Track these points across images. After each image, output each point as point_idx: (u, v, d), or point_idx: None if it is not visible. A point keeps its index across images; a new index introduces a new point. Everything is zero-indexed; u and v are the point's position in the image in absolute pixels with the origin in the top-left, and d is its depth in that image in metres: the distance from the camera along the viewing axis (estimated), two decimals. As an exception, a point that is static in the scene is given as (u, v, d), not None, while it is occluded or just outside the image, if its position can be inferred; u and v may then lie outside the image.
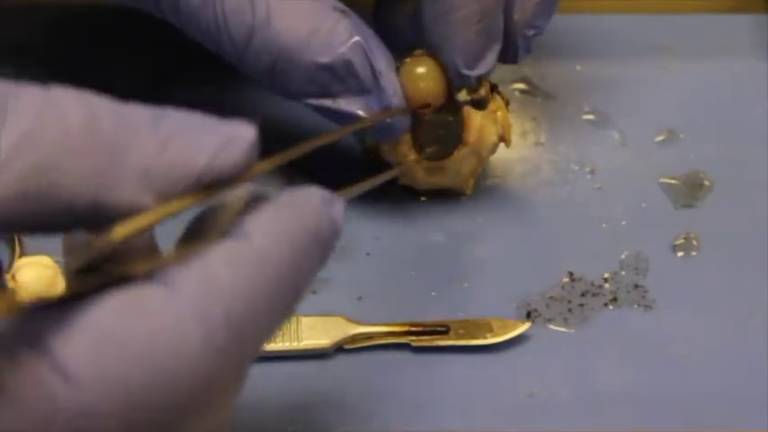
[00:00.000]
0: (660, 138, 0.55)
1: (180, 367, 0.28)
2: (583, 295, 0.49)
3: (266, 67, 0.45)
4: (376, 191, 0.52)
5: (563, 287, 0.49)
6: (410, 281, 0.49)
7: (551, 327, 0.48)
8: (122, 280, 0.28)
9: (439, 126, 0.49)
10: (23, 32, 0.56)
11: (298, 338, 0.46)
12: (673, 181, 0.53)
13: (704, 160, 0.54)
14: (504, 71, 0.56)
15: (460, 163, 0.50)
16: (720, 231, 0.52)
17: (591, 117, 0.56)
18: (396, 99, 0.46)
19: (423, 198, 0.52)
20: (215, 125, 0.30)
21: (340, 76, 0.45)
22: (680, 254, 0.51)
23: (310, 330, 0.47)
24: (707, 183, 0.53)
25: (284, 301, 0.30)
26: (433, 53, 0.47)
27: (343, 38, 0.44)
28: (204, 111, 0.31)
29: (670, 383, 0.47)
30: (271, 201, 0.31)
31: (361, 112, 0.46)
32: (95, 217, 0.28)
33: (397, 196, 0.52)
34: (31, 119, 0.27)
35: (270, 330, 0.31)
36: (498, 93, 0.51)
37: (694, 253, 0.51)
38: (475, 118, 0.49)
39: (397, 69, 0.47)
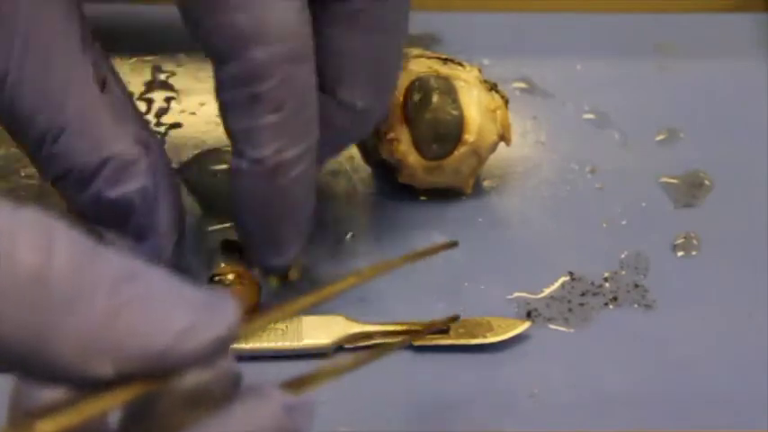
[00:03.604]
0: (660, 137, 0.55)
1: None
2: (583, 295, 0.49)
3: (55, 174, 0.42)
4: (376, 191, 0.52)
5: (563, 287, 0.49)
6: (410, 281, 0.49)
7: (551, 326, 0.48)
8: None
9: (439, 125, 0.49)
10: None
11: (298, 337, 0.46)
12: (673, 180, 0.53)
13: (704, 160, 0.54)
14: (504, 70, 0.56)
15: (460, 162, 0.50)
16: (720, 231, 0.52)
17: (591, 116, 0.56)
18: (165, 255, 0.43)
19: (423, 198, 0.52)
20: (186, 305, 0.27)
21: (120, 213, 0.42)
22: (680, 253, 0.51)
23: (311, 329, 0.47)
24: (707, 182, 0.53)
25: None
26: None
27: (134, 179, 0.41)
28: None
29: (670, 383, 0.47)
30: (225, 408, 0.28)
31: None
32: (32, 367, 0.26)
33: (397, 196, 0.52)
34: None
35: None
36: (498, 92, 0.51)
37: (694, 253, 0.51)
38: (474, 117, 0.49)
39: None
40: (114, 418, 0.28)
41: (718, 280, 0.50)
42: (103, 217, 0.42)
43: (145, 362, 0.26)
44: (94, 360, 0.26)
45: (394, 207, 0.51)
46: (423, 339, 0.47)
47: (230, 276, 0.46)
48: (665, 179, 0.53)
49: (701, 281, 0.50)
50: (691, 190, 0.53)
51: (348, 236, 0.50)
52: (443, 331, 0.47)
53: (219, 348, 0.27)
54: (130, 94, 0.44)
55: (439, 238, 0.51)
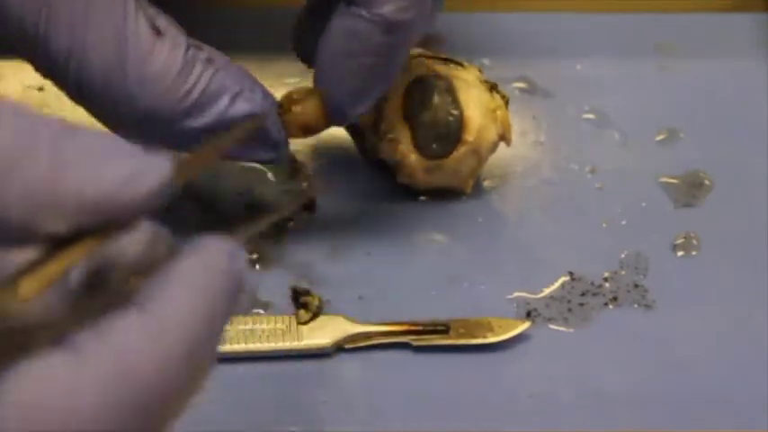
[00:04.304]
0: (660, 137, 0.55)
1: None
2: (583, 295, 0.49)
3: (138, 132, 0.43)
4: (376, 191, 0.52)
5: (563, 287, 0.49)
6: (410, 281, 0.49)
7: (551, 326, 0.48)
8: (27, 345, 0.27)
9: (439, 125, 0.49)
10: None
11: (298, 338, 0.46)
12: (673, 180, 0.53)
13: (704, 160, 0.54)
14: (504, 70, 0.56)
15: (460, 162, 0.50)
16: (720, 231, 0.52)
17: (591, 116, 0.56)
18: (278, 135, 0.46)
19: (423, 198, 0.52)
20: (125, 155, 0.29)
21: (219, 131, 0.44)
22: (680, 253, 0.51)
23: (311, 330, 0.47)
24: (707, 182, 0.53)
25: (194, 371, 0.29)
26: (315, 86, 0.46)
27: (213, 99, 0.44)
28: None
29: (670, 383, 0.47)
30: (177, 261, 0.29)
31: (252, 157, 0.46)
32: None
33: (397, 196, 0.52)
34: None
35: (182, 401, 0.29)
36: (498, 92, 0.51)
37: (694, 252, 0.51)
38: (475, 117, 0.49)
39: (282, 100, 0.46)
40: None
41: (718, 280, 0.50)
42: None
43: (92, 211, 0.28)
44: (44, 214, 0.27)
45: (394, 207, 0.51)
46: (423, 339, 0.47)
47: (293, 99, 0.46)
48: (665, 179, 0.53)
49: (701, 281, 0.50)
50: (691, 190, 0.53)
51: (348, 236, 0.50)
52: (443, 331, 0.47)
53: (161, 194, 0.29)
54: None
55: (439, 238, 0.51)
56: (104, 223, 0.28)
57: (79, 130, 0.29)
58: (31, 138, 0.28)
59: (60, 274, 0.28)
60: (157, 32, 0.43)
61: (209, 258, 0.30)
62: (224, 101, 0.44)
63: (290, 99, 0.46)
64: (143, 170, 0.28)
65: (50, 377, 0.26)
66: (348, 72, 0.45)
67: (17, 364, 0.26)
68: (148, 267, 0.29)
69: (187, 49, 0.43)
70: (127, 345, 0.27)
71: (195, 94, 0.43)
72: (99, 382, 0.27)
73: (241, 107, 0.44)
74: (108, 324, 0.27)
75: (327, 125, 0.47)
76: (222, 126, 0.43)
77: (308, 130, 0.46)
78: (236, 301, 0.30)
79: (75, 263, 0.28)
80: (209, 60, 0.44)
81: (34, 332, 0.27)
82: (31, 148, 0.28)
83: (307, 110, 0.46)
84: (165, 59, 0.43)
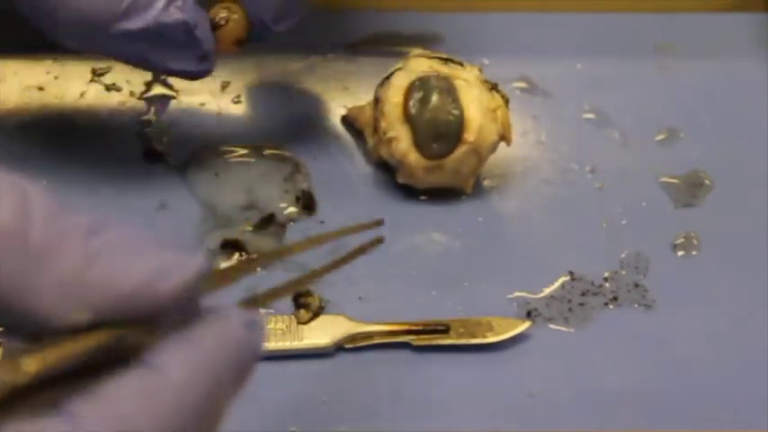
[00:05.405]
0: (660, 137, 0.55)
1: None
2: (583, 295, 0.49)
3: (76, 36, 0.45)
4: (376, 191, 0.52)
5: (563, 287, 0.49)
6: (410, 281, 0.49)
7: (551, 326, 0.48)
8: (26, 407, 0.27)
9: (439, 125, 0.49)
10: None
11: (299, 337, 0.46)
12: (673, 180, 0.53)
13: (704, 159, 0.54)
14: (504, 70, 0.56)
15: (460, 162, 0.50)
16: (720, 231, 0.52)
17: (591, 116, 0.56)
18: (208, 46, 0.46)
19: (423, 197, 0.52)
20: (157, 249, 0.29)
21: (153, 39, 0.45)
22: (680, 253, 0.51)
23: (311, 330, 0.47)
24: (707, 182, 0.53)
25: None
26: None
27: (149, 3, 0.45)
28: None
29: (670, 383, 0.47)
30: (190, 326, 0.29)
31: (181, 67, 0.47)
32: (15, 316, 0.28)
33: (398, 196, 0.52)
34: None
35: None
36: (498, 91, 0.51)
37: (694, 252, 0.51)
38: (475, 117, 0.49)
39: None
40: None
41: (718, 280, 0.50)
42: (136, 49, 0.46)
43: (119, 304, 0.28)
44: (72, 305, 0.27)
45: (394, 207, 0.51)
46: (423, 339, 0.47)
47: (223, 14, 0.47)
48: (665, 179, 0.53)
49: (700, 281, 0.50)
50: (691, 190, 0.53)
51: (348, 236, 0.50)
52: (444, 331, 0.47)
53: (189, 290, 0.29)
54: None
55: (439, 238, 0.51)
56: (126, 315, 0.28)
57: (109, 221, 0.29)
58: (63, 229, 0.28)
59: (63, 360, 0.27)
60: None
61: (225, 326, 0.30)
62: (159, 4, 0.45)
63: (218, 14, 0.47)
64: (173, 266, 0.28)
65: None
66: None
67: (6, 426, 0.26)
68: (164, 327, 0.29)
69: None
70: (124, 407, 0.27)
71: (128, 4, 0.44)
72: None
73: (174, 14, 0.45)
74: (106, 385, 0.27)
75: (250, 39, 0.48)
76: (156, 32, 0.45)
77: (237, 43, 0.48)
78: (247, 370, 0.30)
79: (89, 350, 0.28)
80: None
81: (29, 395, 0.26)
82: (64, 240, 0.28)
83: (237, 23, 0.47)
84: None
